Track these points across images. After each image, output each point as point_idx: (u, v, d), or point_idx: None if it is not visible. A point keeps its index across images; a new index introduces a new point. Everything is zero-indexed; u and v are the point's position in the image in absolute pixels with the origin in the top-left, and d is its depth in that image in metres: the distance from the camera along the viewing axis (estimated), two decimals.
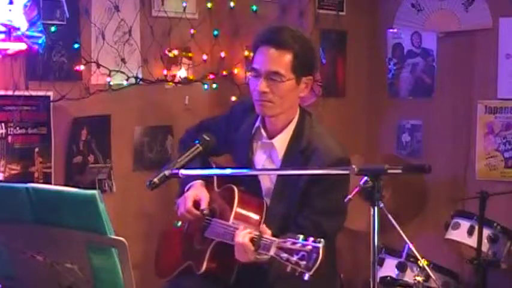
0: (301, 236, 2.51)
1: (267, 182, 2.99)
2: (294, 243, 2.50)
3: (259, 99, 2.89)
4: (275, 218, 2.88)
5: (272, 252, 2.56)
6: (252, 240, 2.65)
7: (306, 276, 2.44)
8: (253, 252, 2.64)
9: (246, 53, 4.14)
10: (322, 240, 2.47)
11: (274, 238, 2.60)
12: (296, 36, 2.91)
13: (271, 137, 2.98)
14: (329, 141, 2.93)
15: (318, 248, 2.45)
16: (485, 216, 3.66)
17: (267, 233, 2.65)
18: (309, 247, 2.46)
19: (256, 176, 3.00)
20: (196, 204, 2.99)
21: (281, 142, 2.95)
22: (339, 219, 2.92)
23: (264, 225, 2.71)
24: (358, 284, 4.29)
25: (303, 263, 2.45)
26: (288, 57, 2.85)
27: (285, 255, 2.50)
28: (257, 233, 2.66)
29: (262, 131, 3.00)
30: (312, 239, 2.48)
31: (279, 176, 2.95)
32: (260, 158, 3.02)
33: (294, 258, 2.47)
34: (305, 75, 2.91)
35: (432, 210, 4.16)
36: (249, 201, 2.95)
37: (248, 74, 2.96)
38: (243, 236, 2.69)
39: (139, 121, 3.99)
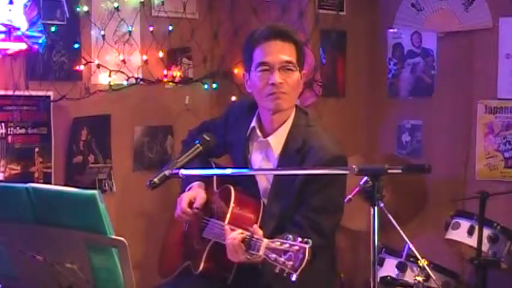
0: (291, 236, 2.50)
1: (264, 182, 2.99)
2: (282, 244, 2.50)
3: (275, 92, 2.88)
4: (273, 217, 2.88)
5: (262, 252, 2.55)
6: (243, 240, 2.66)
7: (293, 277, 2.44)
8: (244, 252, 2.64)
9: None
10: (309, 240, 2.46)
11: (263, 238, 2.60)
12: (292, 29, 2.99)
13: (266, 136, 2.98)
14: (325, 139, 2.93)
15: (304, 248, 2.44)
16: (485, 216, 3.66)
17: (258, 234, 2.65)
18: (296, 247, 2.45)
19: (253, 177, 3.00)
20: (192, 204, 3.00)
21: (277, 141, 2.95)
22: (336, 217, 2.92)
23: (256, 226, 2.72)
24: (359, 284, 4.29)
25: (290, 263, 2.44)
26: (293, 47, 2.90)
27: (273, 255, 2.50)
28: (248, 234, 2.66)
29: (258, 131, 3.00)
30: (300, 239, 2.47)
31: (275, 175, 2.96)
32: (257, 158, 3.02)
33: (282, 258, 2.47)
34: (302, 68, 2.95)
35: (432, 210, 4.16)
36: (246, 201, 2.95)
37: (254, 71, 2.93)
38: (235, 236, 2.69)
39: (140, 121, 3.99)
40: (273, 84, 2.86)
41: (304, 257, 2.42)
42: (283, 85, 2.87)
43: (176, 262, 3.15)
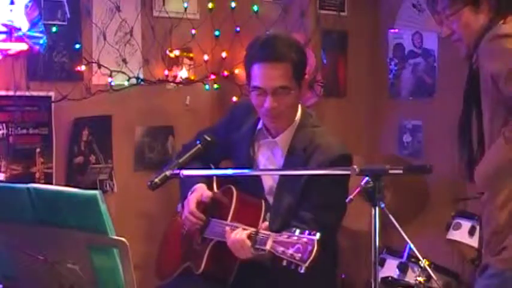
0: (297, 230, 2.52)
1: (269, 181, 3.01)
2: (289, 237, 2.52)
3: (269, 115, 2.93)
4: (279, 215, 2.90)
5: (268, 246, 2.57)
6: (249, 236, 2.67)
7: (302, 269, 2.45)
8: (250, 248, 2.66)
9: None
10: (317, 233, 2.48)
11: (270, 233, 2.61)
12: (289, 44, 2.95)
13: (274, 136, 3.01)
14: (330, 139, 2.98)
15: (313, 240, 2.46)
16: None
17: (265, 227, 2.67)
18: (304, 239, 2.47)
19: (258, 176, 3.01)
20: (199, 205, 3.00)
21: (284, 141, 2.99)
22: (339, 213, 2.95)
23: (266, 222, 2.74)
24: (360, 284, 4.28)
25: (298, 255, 2.46)
26: (288, 68, 2.89)
27: (280, 248, 2.52)
28: (254, 229, 2.68)
29: (265, 131, 3.03)
30: (307, 231, 2.49)
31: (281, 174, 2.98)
32: (262, 157, 3.04)
33: (290, 251, 2.49)
34: (303, 78, 2.95)
35: (433, 211, 4.16)
36: (247, 200, 2.97)
37: (251, 89, 2.96)
38: (240, 232, 2.70)
39: (141, 121, 3.99)
40: (267, 107, 2.88)
41: (313, 249, 2.45)
42: (278, 108, 2.90)
43: (175, 263, 3.15)
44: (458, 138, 2.56)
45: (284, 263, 2.51)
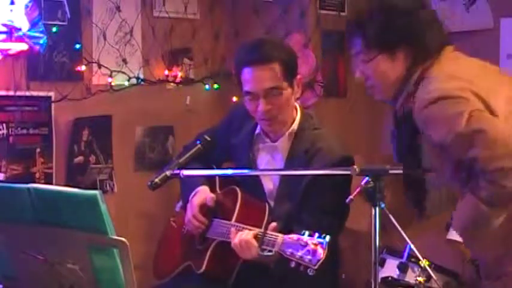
0: (307, 232, 2.52)
1: (269, 184, 3.01)
2: (299, 239, 2.52)
3: (264, 119, 2.91)
4: (280, 219, 2.89)
5: (276, 248, 2.57)
6: (255, 236, 2.67)
7: (311, 272, 2.46)
8: (256, 249, 2.66)
9: None
10: (327, 236, 2.48)
11: (279, 234, 2.62)
12: (275, 45, 2.95)
13: (273, 140, 3.00)
14: (332, 140, 2.96)
15: (323, 243, 2.47)
16: None
17: (273, 229, 2.67)
18: (314, 242, 2.48)
19: (258, 179, 3.01)
20: (203, 207, 3.00)
21: (284, 144, 2.97)
22: (341, 217, 2.95)
23: (265, 224, 2.74)
24: (360, 284, 4.28)
25: (308, 257, 2.47)
26: (276, 68, 2.86)
27: (289, 250, 2.52)
28: (260, 230, 2.68)
29: (264, 136, 3.02)
30: (317, 234, 2.50)
31: (282, 177, 2.97)
32: (262, 161, 3.03)
33: (299, 253, 2.49)
34: (294, 77, 2.93)
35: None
36: (252, 202, 2.97)
37: (243, 94, 2.95)
38: (246, 233, 2.70)
39: (141, 121, 3.99)
40: (261, 110, 2.88)
41: (323, 252, 2.45)
42: (272, 110, 2.89)
43: (174, 263, 3.15)
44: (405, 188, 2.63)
45: (292, 264, 2.51)
